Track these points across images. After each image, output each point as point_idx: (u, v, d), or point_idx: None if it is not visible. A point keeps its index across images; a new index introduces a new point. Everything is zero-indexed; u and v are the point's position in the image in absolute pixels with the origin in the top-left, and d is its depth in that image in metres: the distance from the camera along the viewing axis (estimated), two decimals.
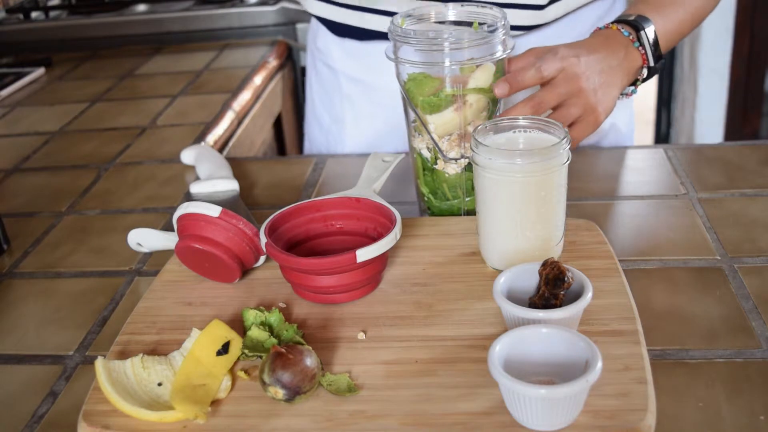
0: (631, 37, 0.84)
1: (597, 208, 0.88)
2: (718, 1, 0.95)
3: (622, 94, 0.87)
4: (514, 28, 0.92)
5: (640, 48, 0.84)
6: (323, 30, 1.10)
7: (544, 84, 0.81)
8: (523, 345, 0.57)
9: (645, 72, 0.86)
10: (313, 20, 1.14)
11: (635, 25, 0.85)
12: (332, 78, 1.13)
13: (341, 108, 1.13)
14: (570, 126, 0.81)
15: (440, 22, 0.82)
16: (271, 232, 0.72)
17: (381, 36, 0.97)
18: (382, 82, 1.04)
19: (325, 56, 1.12)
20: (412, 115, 0.81)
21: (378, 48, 0.98)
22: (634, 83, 0.88)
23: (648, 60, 0.85)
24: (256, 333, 0.65)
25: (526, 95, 0.98)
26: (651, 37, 0.85)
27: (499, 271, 0.68)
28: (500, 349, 0.56)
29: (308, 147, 1.26)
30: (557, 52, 0.80)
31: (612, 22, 0.86)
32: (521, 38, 0.97)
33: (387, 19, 0.85)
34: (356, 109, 1.11)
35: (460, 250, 0.76)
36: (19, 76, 1.53)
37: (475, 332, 0.64)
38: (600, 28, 0.87)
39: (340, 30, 1.05)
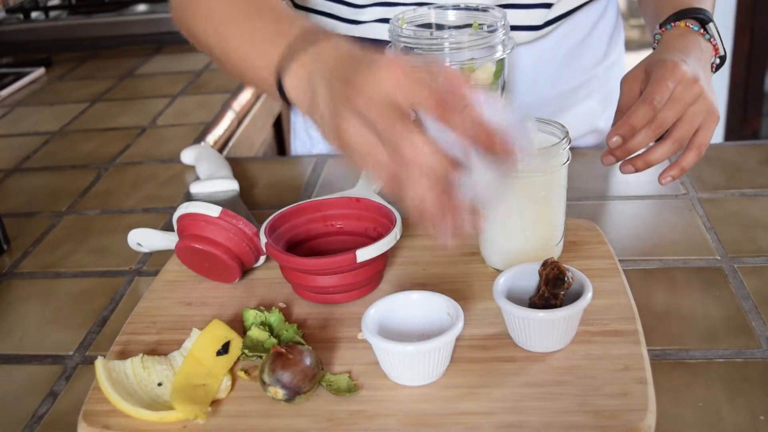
0: (701, 30, 0.82)
1: (597, 208, 0.88)
2: None
3: None
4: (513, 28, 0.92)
5: (711, 39, 0.82)
6: None
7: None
8: (395, 311, 0.63)
9: (717, 61, 0.84)
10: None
11: (699, 18, 0.82)
12: None
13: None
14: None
15: (440, 26, 0.82)
16: (271, 232, 0.72)
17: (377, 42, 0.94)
18: None
19: None
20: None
21: None
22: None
23: (719, 50, 0.83)
24: (256, 333, 0.65)
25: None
26: (716, 25, 0.83)
27: (499, 271, 0.68)
28: (374, 312, 0.61)
29: (293, 140, 1.23)
30: (662, 66, 0.74)
31: (672, 20, 0.83)
32: (517, 55, 0.96)
33: (383, 27, 0.84)
34: None
35: (460, 250, 0.76)
36: (19, 76, 1.53)
37: (475, 332, 0.64)
38: (666, 28, 0.83)
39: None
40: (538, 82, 0.99)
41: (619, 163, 0.77)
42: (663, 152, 0.75)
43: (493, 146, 0.53)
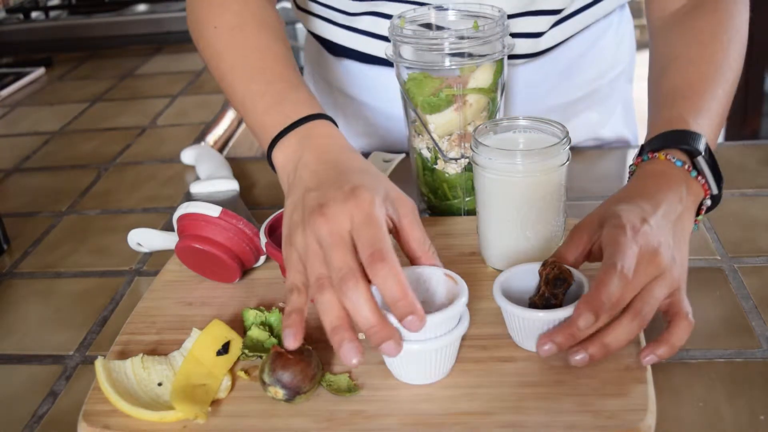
0: (686, 166, 0.67)
1: None
2: (741, 62, 0.80)
3: None
4: (511, 57, 0.89)
5: (699, 177, 0.67)
6: (321, 47, 1.05)
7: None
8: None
9: (708, 202, 0.69)
10: (309, 36, 1.08)
11: (687, 149, 0.68)
12: (327, 89, 1.09)
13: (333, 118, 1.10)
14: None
15: (440, 26, 0.82)
16: (271, 232, 0.72)
17: (381, 61, 0.94)
18: (378, 103, 1.01)
19: (322, 69, 1.07)
20: (413, 115, 0.81)
21: (376, 71, 0.96)
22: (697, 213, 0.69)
23: (710, 189, 0.68)
24: (256, 333, 0.65)
25: (524, 94, 0.97)
26: (707, 160, 0.68)
27: (499, 271, 0.68)
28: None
29: None
30: (620, 221, 0.61)
31: (654, 148, 0.69)
32: (517, 68, 0.95)
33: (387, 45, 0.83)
34: (349, 124, 1.07)
35: (460, 250, 0.76)
36: (19, 76, 1.53)
37: (475, 332, 0.64)
38: (642, 160, 0.69)
39: (339, 51, 1.00)
40: (538, 94, 0.97)
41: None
42: (624, 330, 0.58)
43: (397, 313, 0.55)
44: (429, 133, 0.80)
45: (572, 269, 0.63)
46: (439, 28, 0.81)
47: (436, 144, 0.80)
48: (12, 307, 0.80)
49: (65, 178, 1.09)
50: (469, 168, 0.81)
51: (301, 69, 1.40)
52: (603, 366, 0.59)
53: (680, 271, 0.62)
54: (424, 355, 0.58)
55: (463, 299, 0.58)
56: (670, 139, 0.69)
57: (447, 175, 0.81)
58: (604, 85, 1.03)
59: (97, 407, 0.59)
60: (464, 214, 0.84)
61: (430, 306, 0.62)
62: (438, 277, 0.62)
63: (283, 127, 0.68)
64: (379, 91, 0.98)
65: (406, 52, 0.78)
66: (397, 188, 0.63)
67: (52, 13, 1.85)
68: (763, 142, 1.03)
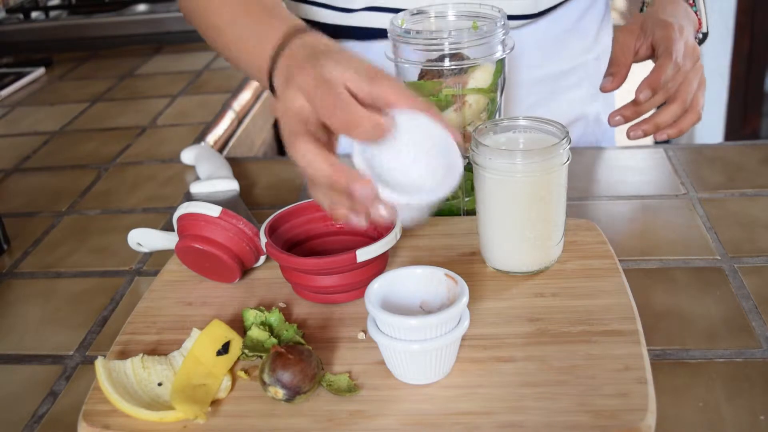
0: (690, 1, 0.87)
1: (597, 208, 0.88)
2: None
3: None
4: (510, 18, 0.93)
5: (697, 13, 0.87)
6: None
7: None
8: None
9: (700, 36, 0.88)
10: None
11: None
12: None
13: None
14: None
15: (440, 26, 0.82)
16: (271, 232, 0.72)
17: (378, 35, 0.95)
18: None
19: None
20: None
21: (373, 47, 0.97)
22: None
23: (703, 25, 0.88)
24: (256, 333, 0.65)
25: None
26: (705, 2, 0.88)
27: (499, 271, 0.68)
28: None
29: None
30: (672, 27, 0.81)
31: None
32: (513, 31, 0.97)
33: (384, 16, 0.84)
34: None
35: (460, 250, 0.76)
36: (19, 76, 1.53)
37: (475, 332, 0.64)
38: None
39: (337, 32, 1.01)
40: (525, 63, 1.00)
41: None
42: (671, 114, 0.79)
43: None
44: None
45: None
46: (439, 27, 0.81)
47: None
48: (12, 307, 0.80)
49: (65, 178, 1.09)
50: (469, 168, 0.81)
51: None
52: (603, 366, 0.59)
53: (703, 70, 0.82)
54: (424, 355, 0.58)
55: (464, 300, 0.59)
56: None
57: None
58: (590, 61, 1.06)
59: (97, 407, 0.59)
60: (464, 214, 0.84)
61: (430, 306, 0.62)
62: (438, 278, 0.62)
63: (273, 51, 0.67)
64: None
65: (406, 52, 0.78)
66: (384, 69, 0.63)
67: (52, 13, 1.85)
68: (763, 142, 1.03)
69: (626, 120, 0.80)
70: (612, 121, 0.80)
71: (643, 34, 0.82)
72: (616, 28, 0.84)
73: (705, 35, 0.88)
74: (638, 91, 0.77)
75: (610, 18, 1.11)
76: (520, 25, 0.96)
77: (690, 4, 0.86)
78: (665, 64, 0.78)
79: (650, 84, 0.77)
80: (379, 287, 0.61)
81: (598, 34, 1.06)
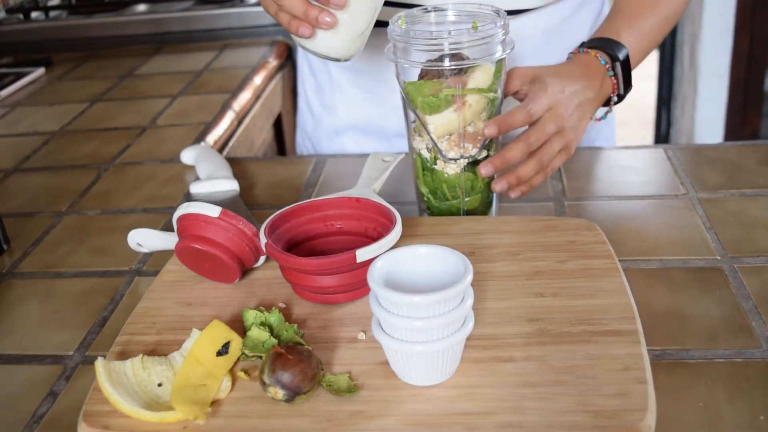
0: (607, 66, 0.88)
1: (597, 208, 0.88)
2: (686, 3, 0.99)
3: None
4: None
5: (613, 78, 0.88)
6: None
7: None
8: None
9: (615, 99, 0.90)
10: None
11: (611, 54, 0.88)
12: (322, 66, 1.15)
13: (331, 95, 1.16)
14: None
15: (440, 26, 0.82)
16: (271, 232, 0.72)
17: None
18: (372, 67, 1.06)
19: None
20: (412, 116, 0.81)
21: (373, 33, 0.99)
22: (606, 103, 0.92)
23: (619, 89, 0.89)
24: (256, 333, 0.65)
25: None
26: (624, 68, 0.89)
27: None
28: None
29: (300, 137, 1.26)
30: (545, 85, 0.82)
31: (590, 46, 0.89)
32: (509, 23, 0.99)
33: (390, 11, 0.85)
34: (347, 96, 1.13)
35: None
36: (19, 76, 1.53)
37: (475, 332, 0.64)
38: (578, 52, 0.89)
39: None
40: (521, 52, 1.00)
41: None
42: (529, 169, 0.81)
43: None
44: (428, 133, 0.80)
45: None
46: (439, 27, 0.81)
47: (436, 144, 0.80)
48: (12, 307, 0.80)
49: (65, 178, 1.09)
50: (468, 168, 0.81)
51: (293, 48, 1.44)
52: (603, 366, 0.59)
53: (574, 137, 0.83)
54: (429, 357, 0.57)
55: (469, 301, 0.58)
56: (601, 43, 0.89)
57: (446, 175, 0.81)
58: None
59: (97, 407, 0.59)
60: (464, 214, 0.84)
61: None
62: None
63: None
64: (370, 55, 1.02)
65: (406, 52, 0.78)
66: None
67: (52, 13, 1.85)
68: (763, 142, 1.03)
69: (495, 169, 0.79)
70: (482, 172, 0.80)
71: (531, 82, 0.83)
72: (516, 68, 0.84)
73: (621, 96, 0.90)
74: (485, 126, 0.78)
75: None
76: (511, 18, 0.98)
77: (606, 69, 0.87)
78: (515, 111, 0.80)
79: (497, 121, 0.78)
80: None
81: (592, 30, 1.07)
